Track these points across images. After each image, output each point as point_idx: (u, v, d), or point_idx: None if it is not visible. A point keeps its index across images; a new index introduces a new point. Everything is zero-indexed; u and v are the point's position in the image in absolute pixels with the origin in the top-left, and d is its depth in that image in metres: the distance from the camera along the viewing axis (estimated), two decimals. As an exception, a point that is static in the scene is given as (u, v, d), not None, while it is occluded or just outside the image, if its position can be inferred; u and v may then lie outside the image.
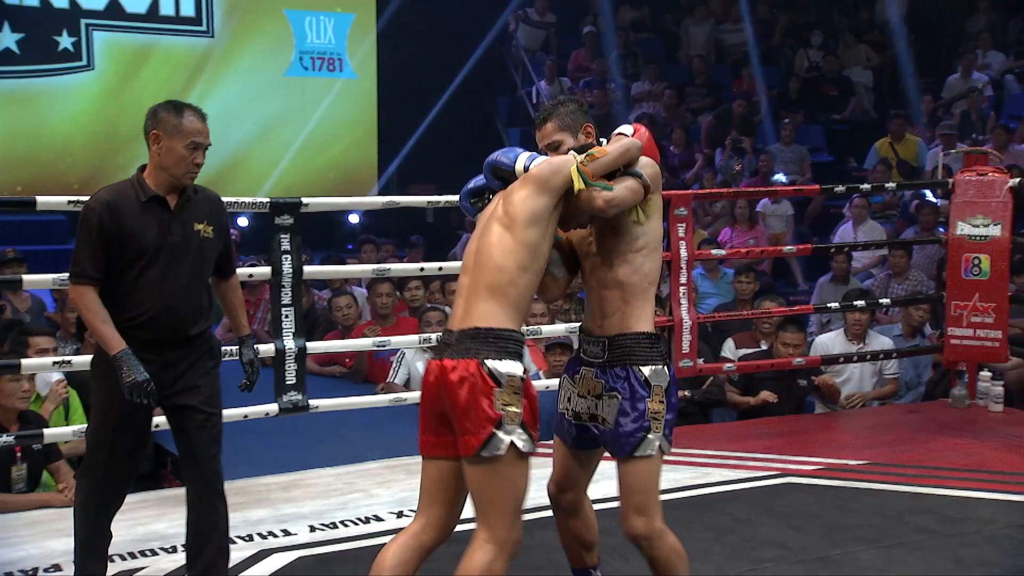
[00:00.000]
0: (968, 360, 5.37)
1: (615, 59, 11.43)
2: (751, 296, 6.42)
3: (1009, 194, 5.21)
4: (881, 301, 6.04)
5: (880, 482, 4.21)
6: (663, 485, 2.64)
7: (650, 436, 2.52)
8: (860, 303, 5.65)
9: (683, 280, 4.86)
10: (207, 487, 2.85)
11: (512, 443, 2.35)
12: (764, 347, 5.80)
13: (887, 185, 6.38)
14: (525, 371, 2.42)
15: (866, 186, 6.18)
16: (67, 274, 2.83)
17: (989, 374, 5.34)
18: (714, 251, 6.28)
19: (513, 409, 2.36)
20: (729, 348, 5.97)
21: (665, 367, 2.58)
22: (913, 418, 5.27)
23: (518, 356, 2.41)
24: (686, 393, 5.42)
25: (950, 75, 10.50)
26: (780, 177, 9.43)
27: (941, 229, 7.23)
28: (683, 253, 4.84)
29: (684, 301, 4.85)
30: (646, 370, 2.56)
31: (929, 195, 8.36)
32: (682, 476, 4.29)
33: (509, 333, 2.41)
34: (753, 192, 8.07)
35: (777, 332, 5.58)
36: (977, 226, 5.24)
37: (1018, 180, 5.34)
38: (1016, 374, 5.87)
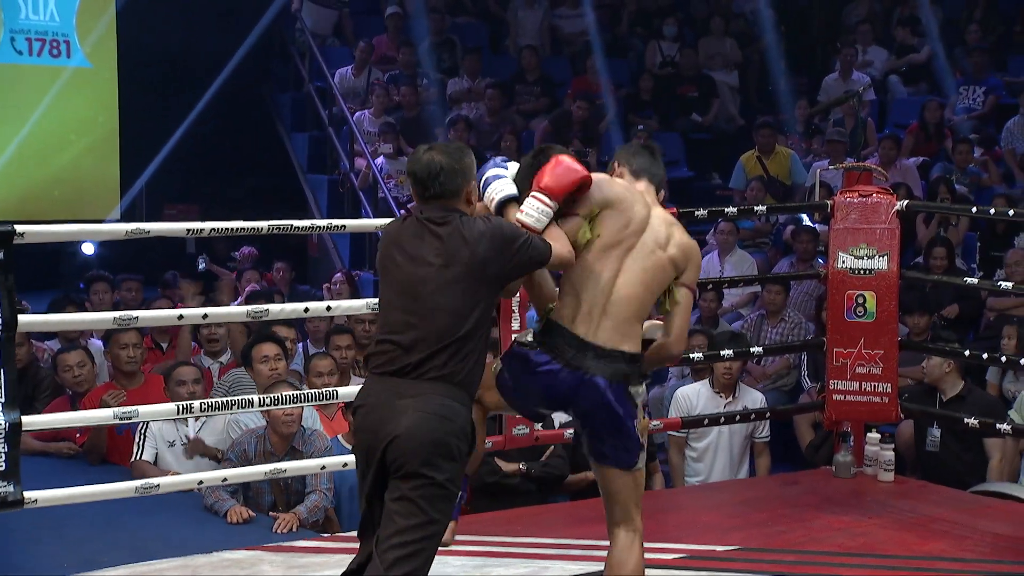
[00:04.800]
0: (854, 419, 5.65)
1: (427, 48, 11.55)
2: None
3: (896, 219, 5.53)
4: (752, 350, 6.29)
5: (753, 571, 4.37)
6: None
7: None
8: (728, 352, 5.86)
9: (516, 325, 4.90)
10: None
11: None
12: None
13: (756, 208, 6.68)
14: None
15: (732, 209, 6.45)
16: None
17: (878, 436, 5.63)
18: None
19: None
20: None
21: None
22: (791, 491, 5.49)
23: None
24: (520, 467, 5.49)
25: (827, 75, 11.08)
26: (630, 197, 9.71)
27: (821, 260, 7.60)
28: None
29: (515, 352, 4.90)
30: None
31: (806, 219, 8.79)
32: (513, 572, 4.33)
33: None
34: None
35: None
36: (860, 257, 5.54)
37: (906, 202, 5.68)
38: (907, 435, 6.22)
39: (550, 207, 3.39)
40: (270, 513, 5.19)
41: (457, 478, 3.29)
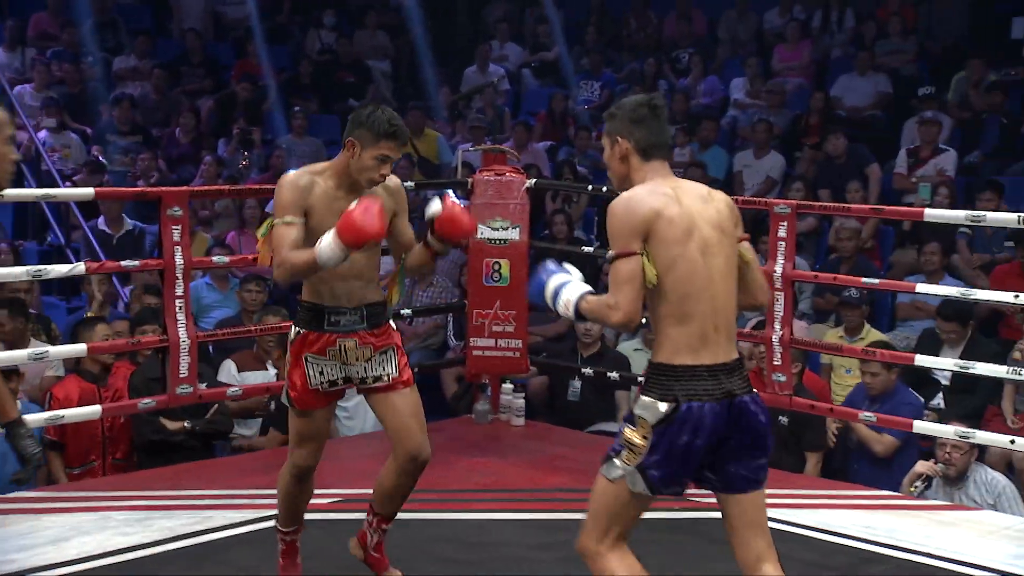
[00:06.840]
0: (491, 372, 5.90)
1: (90, 28, 11.05)
2: (260, 308, 6.53)
3: (526, 195, 5.82)
4: (402, 312, 6.42)
5: (403, 511, 4.49)
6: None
7: (615, 460, 2.92)
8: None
9: (179, 292, 4.86)
10: None
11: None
12: (272, 370, 5.92)
13: (406, 184, 6.80)
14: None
15: (382, 185, 6.54)
16: None
17: (511, 386, 5.91)
18: (216, 258, 6.31)
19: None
20: (228, 371, 6.03)
21: (662, 404, 2.87)
22: (435, 437, 5.55)
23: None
24: (185, 424, 5.41)
25: (468, 66, 11.41)
26: (293, 173, 9.65)
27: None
28: (179, 260, 4.86)
29: (181, 316, 4.86)
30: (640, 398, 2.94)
31: (452, 195, 9.01)
32: (177, 523, 4.29)
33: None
34: (259, 191, 8.20)
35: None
36: (497, 229, 5.79)
37: (535, 181, 5.99)
38: (537, 384, 6.56)
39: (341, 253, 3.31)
40: None
41: None
